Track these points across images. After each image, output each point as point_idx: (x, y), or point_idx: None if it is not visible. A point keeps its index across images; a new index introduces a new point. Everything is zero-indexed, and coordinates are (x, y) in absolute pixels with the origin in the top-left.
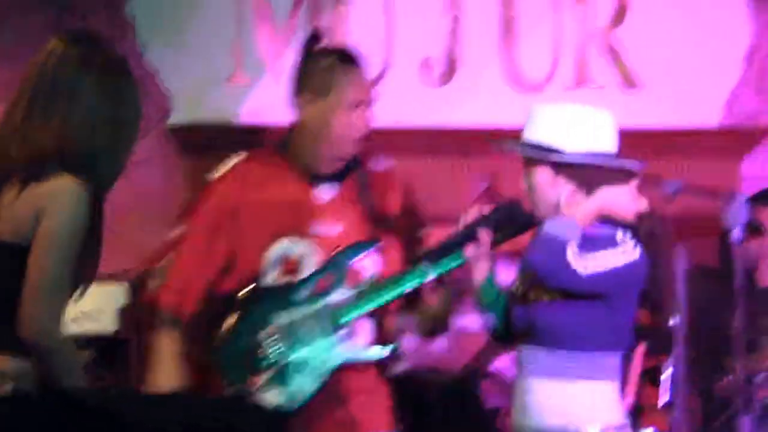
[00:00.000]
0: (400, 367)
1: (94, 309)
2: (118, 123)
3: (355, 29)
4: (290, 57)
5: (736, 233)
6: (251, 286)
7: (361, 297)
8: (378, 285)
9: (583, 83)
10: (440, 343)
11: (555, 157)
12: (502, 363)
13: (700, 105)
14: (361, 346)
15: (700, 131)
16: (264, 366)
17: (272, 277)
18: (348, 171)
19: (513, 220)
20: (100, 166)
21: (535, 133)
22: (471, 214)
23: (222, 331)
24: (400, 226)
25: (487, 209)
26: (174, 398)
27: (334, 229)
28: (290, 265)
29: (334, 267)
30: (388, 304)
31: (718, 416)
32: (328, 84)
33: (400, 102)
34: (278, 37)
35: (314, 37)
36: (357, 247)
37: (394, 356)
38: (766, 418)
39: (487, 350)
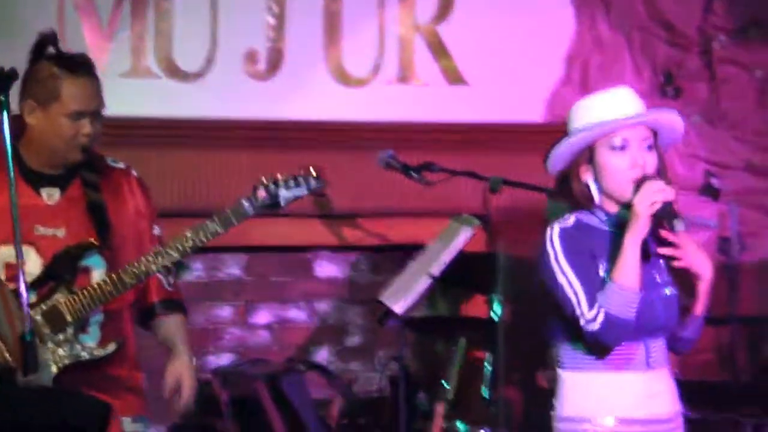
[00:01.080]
0: (224, 359)
1: None
2: None
3: (179, 22)
4: (115, 51)
5: None
6: None
7: (88, 296)
8: (105, 283)
9: (407, 79)
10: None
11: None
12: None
13: (523, 102)
14: (91, 343)
15: (523, 127)
16: None
17: None
18: (76, 172)
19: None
20: None
21: (646, 113)
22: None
23: None
24: (133, 224)
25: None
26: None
27: (58, 231)
28: (12, 271)
29: (58, 269)
30: (115, 298)
31: (539, 408)
32: (51, 94)
33: (225, 95)
34: (102, 32)
35: (43, 42)
36: (79, 248)
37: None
38: None
39: (310, 342)
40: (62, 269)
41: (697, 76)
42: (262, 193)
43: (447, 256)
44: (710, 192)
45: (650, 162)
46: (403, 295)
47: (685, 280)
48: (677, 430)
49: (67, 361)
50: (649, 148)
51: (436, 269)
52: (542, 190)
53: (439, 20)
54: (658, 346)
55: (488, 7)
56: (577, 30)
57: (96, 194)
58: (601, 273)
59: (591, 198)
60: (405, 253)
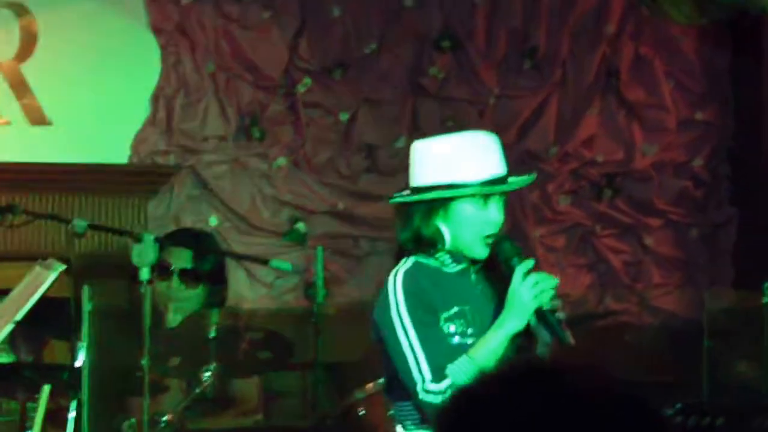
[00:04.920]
0: None
1: None
2: None
3: None
4: None
5: (144, 273)
6: None
7: None
8: None
9: None
10: None
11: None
12: None
13: (108, 142)
14: None
15: (108, 169)
16: None
17: None
18: None
19: None
20: None
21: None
22: None
23: None
24: None
25: None
26: None
27: None
28: None
29: None
30: None
31: None
32: None
33: None
34: None
35: None
36: None
37: None
38: None
39: None
40: None
41: (281, 119)
42: None
43: (31, 301)
44: (296, 237)
45: (503, 217)
46: None
47: None
48: None
49: None
50: (505, 201)
51: (20, 314)
52: (127, 234)
53: (21, 58)
54: None
55: (73, 45)
56: (162, 69)
57: None
58: (444, 325)
59: (439, 242)
60: None
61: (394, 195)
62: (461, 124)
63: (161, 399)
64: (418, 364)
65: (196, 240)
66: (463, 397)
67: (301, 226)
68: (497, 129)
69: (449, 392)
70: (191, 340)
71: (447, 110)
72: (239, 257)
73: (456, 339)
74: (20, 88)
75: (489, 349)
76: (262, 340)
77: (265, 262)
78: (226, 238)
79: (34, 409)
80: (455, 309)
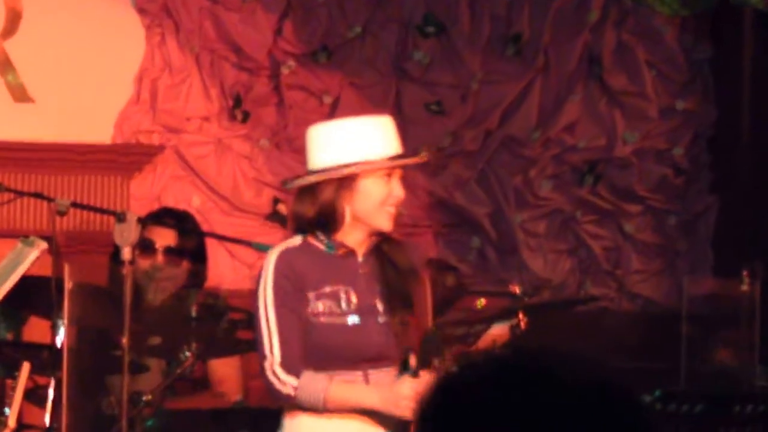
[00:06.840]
0: None
1: None
2: None
3: None
4: None
5: (126, 252)
6: None
7: None
8: None
9: None
10: None
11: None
12: None
13: (91, 121)
14: None
15: (90, 147)
16: None
17: None
18: None
19: None
20: None
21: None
22: None
23: None
24: None
25: None
26: None
27: None
28: None
29: None
30: None
31: None
32: None
33: None
34: None
35: None
36: None
37: None
38: None
39: None
40: None
41: (265, 101)
42: None
43: (12, 278)
44: (278, 218)
45: (402, 192)
46: None
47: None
48: None
49: None
50: (401, 178)
51: (1, 292)
52: (110, 213)
53: (6, 35)
54: (382, 375)
55: (57, 23)
56: (146, 49)
57: None
58: (312, 304)
59: (338, 221)
60: None
61: (288, 181)
62: (444, 109)
63: (141, 378)
64: (270, 343)
65: (178, 219)
66: (447, 384)
67: (282, 207)
68: (480, 114)
69: (289, 391)
70: (172, 319)
71: (430, 94)
72: (222, 238)
73: (323, 318)
74: (4, 65)
75: (345, 398)
76: (243, 321)
77: (247, 243)
78: (209, 218)
79: (13, 387)
80: (327, 289)
